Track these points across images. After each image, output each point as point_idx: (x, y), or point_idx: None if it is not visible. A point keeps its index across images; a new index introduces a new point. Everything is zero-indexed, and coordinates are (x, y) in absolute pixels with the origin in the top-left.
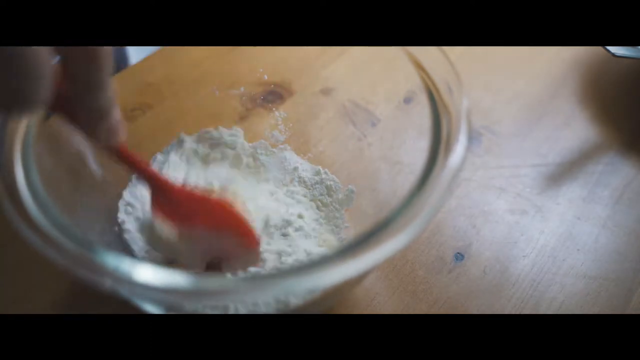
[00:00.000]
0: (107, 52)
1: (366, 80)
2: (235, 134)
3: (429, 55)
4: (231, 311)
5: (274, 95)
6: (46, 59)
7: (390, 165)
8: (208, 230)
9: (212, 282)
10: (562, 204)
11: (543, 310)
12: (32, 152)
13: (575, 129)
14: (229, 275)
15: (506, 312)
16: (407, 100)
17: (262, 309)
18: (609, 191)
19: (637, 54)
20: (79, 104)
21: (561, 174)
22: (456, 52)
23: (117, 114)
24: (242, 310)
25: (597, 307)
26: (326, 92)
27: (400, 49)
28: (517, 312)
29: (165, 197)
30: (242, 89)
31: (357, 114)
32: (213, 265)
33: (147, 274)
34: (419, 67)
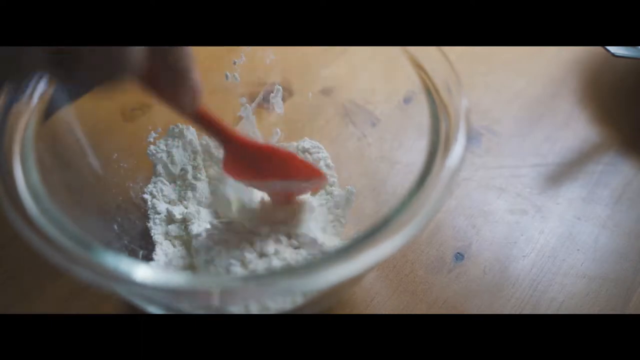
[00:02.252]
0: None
1: (366, 80)
2: None
3: (429, 55)
4: (231, 311)
5: (274, 95)
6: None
7: (390, 165)
8: (279, 179)
9: (211, 281)
10: (562, 204)
11: (543, 310)
12: (32, 151)
13: (575, 129)
14: (228, 275)
15: (506, 312)
16: (407, 100)
17: (260, 309)
18: (609, 191)
19: (637, 54)
20: (162, 66)
21: (561, 174)
22: (456, 52)
23: (197, 74)
24: (242, 311)
25: (597, 307)
26: (326, 92)
27: (400, 49)
28: (517, 312)
29: (243, 155)
30: (241, 89)
31: (357, 114)
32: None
33: (146, 273)
34: (419, 67)
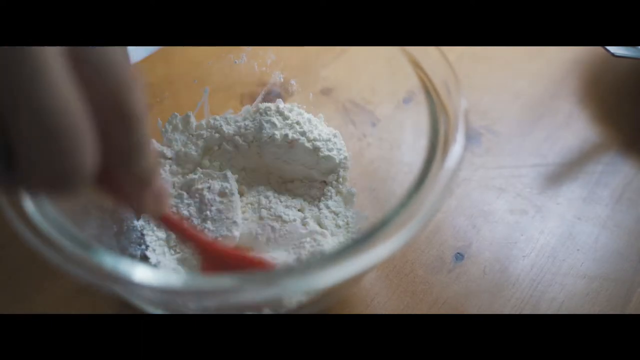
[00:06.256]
0: (142, 112)
1: (366, 80)
2: None
3: (428, 55)
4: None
5: (274, 95)
6: (86, 127)
7: (390, 165)
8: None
9: (209, 281)
10: (562, 204)
11: (543, 310)
12: None
13: (575, 129)
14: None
15: (506, 312)
16: (407, 100)
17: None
18: (609, 191)
19: (637, 54)
20: (120, 172)
21: (561, 174)
22: (456, 52)
23: (159, 180)
24: (242, 311)
25: (597, 307)
26: (326, 92)
27: (399, 49)
28: (517, 312)
29: (215, 259)
30: (242, 89)
31: (357, 114)
32: None
33: (145, 274)
34: (418, 67)
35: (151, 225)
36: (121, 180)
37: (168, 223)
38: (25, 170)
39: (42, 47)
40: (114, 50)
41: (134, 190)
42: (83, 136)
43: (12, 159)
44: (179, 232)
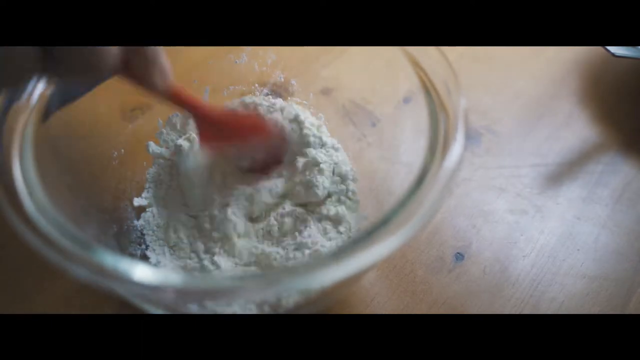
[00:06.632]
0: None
1: (366, 80)
2: None
3: (428, 55)
4: (229, 311)
5: (274, 95)
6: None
7: (390, 165)
8: (247, 142)
9: (209, 281)
10: (562, 204)
11: (543, 310)
12: (31, 151)
13: (575, 129)
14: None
15: (506, 312)
16: (407, 100)
17: (259, 309)
18: (609, 191)
19: (637, 54)
20: (132, 57)
21: (561, 174)
22: (456, 52)
23: (164, 58)
24: (239, 310)
25: (597, 307)
26: (326, 92)
27: (399, 49)
28: (517, 312)
29: (210, 122)
30: (242, 88)
31: (357, 114)
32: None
33: (145, 273)
34: (418, 67)
35: (151, 225)
36: (134, 62)
37: (171, 94)
38: (59, 58)
39: None
40: None
41: (144, 68)
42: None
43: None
44: (181, 101)
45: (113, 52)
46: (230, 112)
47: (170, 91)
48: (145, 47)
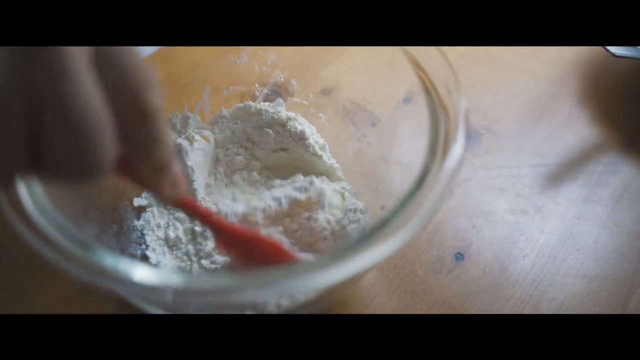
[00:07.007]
0: (159, 108)
1: (366, 80)
2: None
3: (428, 55)
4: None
5: (274, 95)
6: (107, 123)
7: (390, 165)
8: (259, 262)
9: (208, 281)
10: (562, 204)
11: (543, 310)
12: None
13: (575, 129)
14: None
15: (506, 312)
16: (407, 100)
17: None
18: (609, 191)
19: (637, 54)
20: (140, 162)
21: (561, 174)
22: (456, 52)
23: (176, 167)
24: (242, 311)
25: (597, 307)
26: (326, 92)
27: (399, 49)
28: (517, 312)
29: (227, 236)
30: (242, 88)
31: (357, 114)
32: None
33: (145, 273)
34: (418, 67)
35: (151, 225)
36: (141, 168)
37: (184, 206)
38: (50, 160)
39: (69, 47)
40: (131, 51)
41: (152, 178)
42: (104, 131)
43: (38, 148)
44: (195, 214)
45: (109, 151)
46: (246, 230)
47: (182, 204)
48: (154, 153)
